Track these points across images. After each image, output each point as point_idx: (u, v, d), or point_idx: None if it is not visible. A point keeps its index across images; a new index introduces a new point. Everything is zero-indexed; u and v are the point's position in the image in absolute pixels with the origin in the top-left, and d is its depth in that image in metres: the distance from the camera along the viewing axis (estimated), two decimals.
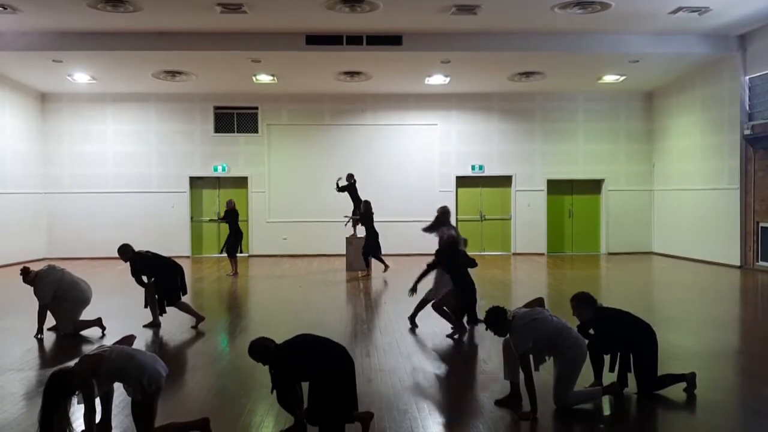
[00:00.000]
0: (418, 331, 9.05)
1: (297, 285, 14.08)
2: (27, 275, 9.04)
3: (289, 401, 5.13)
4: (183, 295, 9.68)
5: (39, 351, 8.33)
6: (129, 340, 5.39)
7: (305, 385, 5.18)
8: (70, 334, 9.01)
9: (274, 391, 5.14)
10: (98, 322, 9.15)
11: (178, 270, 9.62)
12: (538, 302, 6.41)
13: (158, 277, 9.51)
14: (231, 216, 15.95)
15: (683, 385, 6.23)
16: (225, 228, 17.07)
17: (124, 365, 4.82)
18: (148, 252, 9.69)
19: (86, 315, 9.25)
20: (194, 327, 9.45)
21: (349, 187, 16.47)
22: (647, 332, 6.25)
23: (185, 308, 9.64)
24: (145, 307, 9.60)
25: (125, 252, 9.51)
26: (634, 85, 19.31)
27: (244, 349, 5.38)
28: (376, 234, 15.57)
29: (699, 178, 17.95)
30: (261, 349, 5.16)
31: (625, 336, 6.19)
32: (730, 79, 16.53)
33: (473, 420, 5.58)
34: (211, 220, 18.92)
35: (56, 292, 8.99)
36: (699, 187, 17.94)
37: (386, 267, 15.54)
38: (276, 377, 5.07)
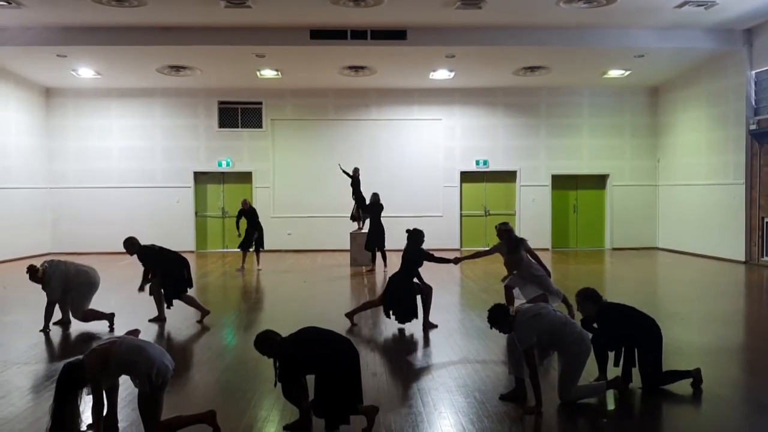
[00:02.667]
0: (421, 326, 9.03)
1: (302, 280, 14.10)
2: (35, 274, 8.96)
3: (295, 394, 5.15)
4: (189, 288, 9.71)
5: (44, 345, 8.35)
6: (134, 334, 5.40)
7: (310, 379, 5.19)
8: (79, 320, 9.05)
9: (279, 385, 5.15)
10: (110, 318, 9.17)
11: (184, 263, 9.65)
12: (542, 298, 6.42)
13: (164, 270, 9.53)
14: (249, 214, 15.85)
15: (689, 380, 6.23)
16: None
17: (133, 358, 4.83)
18: (153, 245, 9.71)
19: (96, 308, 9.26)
20: (200, 321, 9.46)
21: (354, 180, 16.47)
22: (652, 327, 6.24)
23: (191, 302, 9.67)
24: (151, 294, 9.62)
25: (131, 245, 9.52)
26: (640, 79, 19.27)
27: (250, 344, 5.39)
28: (382, 229, 15.48)
29: (704, 173, 17.91)
30: (267, 341, 5.17)
31: (629, 331, 6.18)
32: (736, 73, 16.48)
33: (478, 415, 5.58)
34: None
35: (65, 284, 9.02)
36: (704, 182, 17.90)
37: (385, 264, 15.36)
38: (281, 370, 5.09)
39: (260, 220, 16.14)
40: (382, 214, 15.56)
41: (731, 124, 16.76)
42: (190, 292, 9.82)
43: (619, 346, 6.23)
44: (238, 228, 15.87)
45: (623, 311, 6.33)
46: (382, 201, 15.69)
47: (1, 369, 7.09)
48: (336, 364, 5.09)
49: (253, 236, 15.81)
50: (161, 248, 9.72)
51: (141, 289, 9.56)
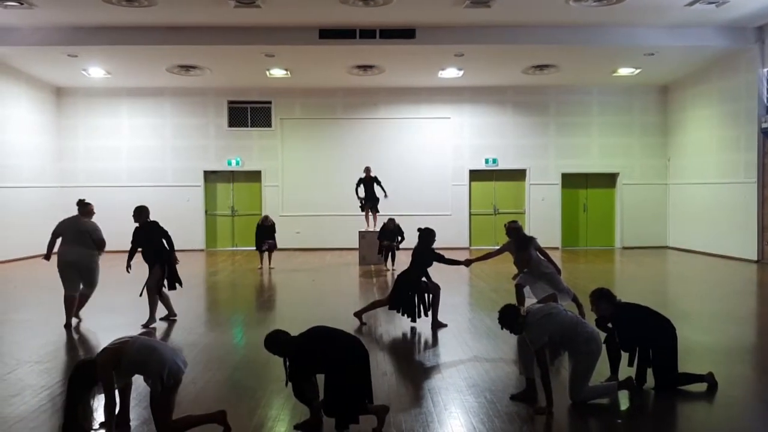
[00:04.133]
0: (430, 325, 9.03)
1: (310, 279, 14.12)
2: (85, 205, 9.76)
3: (306, 393, 5.16)
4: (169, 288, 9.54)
5: (56, 343, 8.39)
6: (148, 334, 5.43)
7: (320, 379, 5.19)
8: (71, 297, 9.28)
9: (290, 384, 5.16)
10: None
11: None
12: (552, 298, 6.39)
13: (159, 251, 9.39)
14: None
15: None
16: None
17: (144, 357, 4.85)
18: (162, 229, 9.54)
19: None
20: (163, 318, 9.38)
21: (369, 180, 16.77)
22: (667, 328, 6.21)
23: (166, 301, 9.57)
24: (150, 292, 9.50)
25: (139, 214, 9.54)
26: (650, 78, 19.18)
27: (260, 342, 5.40)
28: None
29: (715, 171, 17.82)
30: (277, 340, 5.18)
31: (645, 331, 6.15)
32: (747, 71, 16.37)
33: (488, 415, 5.58)
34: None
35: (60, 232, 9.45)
36: (715, 180, 17.81)
37: (393, 263, 15.33)
38: (292, 368, 5.10)
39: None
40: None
41: (742, 122, 16.66)
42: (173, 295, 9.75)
43: (635, 346, 6.21)
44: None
45: (639, 311, 6.30)
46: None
47: (13, 367, 7.14)
48: (346, 363, 5.09)
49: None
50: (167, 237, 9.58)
51: (129, 268, 9.44)
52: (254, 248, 16.26)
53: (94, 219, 9.82)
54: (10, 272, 15.43)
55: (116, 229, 19.35)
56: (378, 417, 5.18)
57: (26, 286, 13.50)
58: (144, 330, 8.67)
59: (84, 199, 9.72)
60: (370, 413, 5.17)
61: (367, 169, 16.96)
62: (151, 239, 9.39)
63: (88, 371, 4.71)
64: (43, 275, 15.06)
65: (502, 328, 5.85)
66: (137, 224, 9.54)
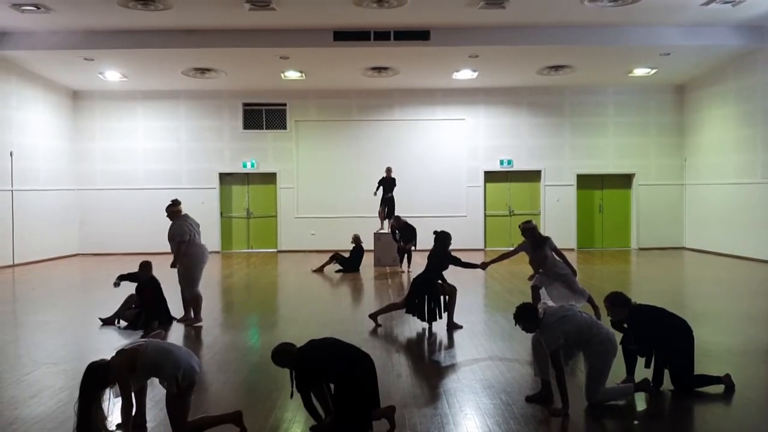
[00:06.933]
0: (445, 327, 9.02)
1: (326, 280, 14.13)
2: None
3: (314, 404, 5.16)
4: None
5: (74, 345, 8.46)
6: (158, 336, 5.47)
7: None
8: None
9: (298, 395, 5.16)
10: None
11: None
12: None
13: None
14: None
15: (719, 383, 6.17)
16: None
17: (159, 360, 4.89)
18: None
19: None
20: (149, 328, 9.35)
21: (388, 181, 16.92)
22: (684, 329, 6.17)
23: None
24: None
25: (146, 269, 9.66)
26: (665, 77, 19.06)
27: (275, 344, 5.41)
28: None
29: (731, 171, 17.67)
30: (282, 352, 5.18)
31: (661, 333, 6.11)
32: (764, 70, 16.24)
33: (504, 416, 5.56)
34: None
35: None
36: (731, 181, 17.66)
37: (409, 265, 15.35)
38: (299, 377, 5.10)
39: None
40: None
41: (759, 122, 16.51)
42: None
43: (651, 347, 6.17)
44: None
45: (655, 313, 6.26)
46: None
47: (31, 368, 7.20)
48: (352, 370, 5.09)
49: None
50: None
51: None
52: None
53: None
54: (28, 274, 15.56)
55: (131, 231, 19.70)
56: (388, 419, 5.18)
57: (44, 288, 13.61)
58: (154, 332, 8.73)
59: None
60: (380, 418, 5.16)
61: (388, 170, 16.97)
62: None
63: (99, 373, 4.74)
64: (59, 278, 15.21)
65: (515, 324, 5.84)
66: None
